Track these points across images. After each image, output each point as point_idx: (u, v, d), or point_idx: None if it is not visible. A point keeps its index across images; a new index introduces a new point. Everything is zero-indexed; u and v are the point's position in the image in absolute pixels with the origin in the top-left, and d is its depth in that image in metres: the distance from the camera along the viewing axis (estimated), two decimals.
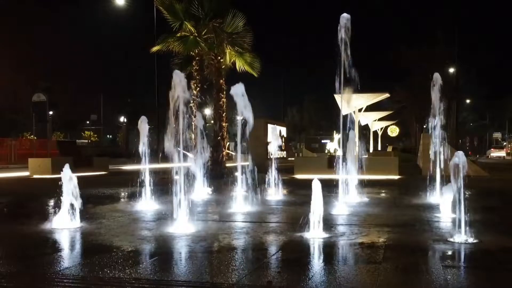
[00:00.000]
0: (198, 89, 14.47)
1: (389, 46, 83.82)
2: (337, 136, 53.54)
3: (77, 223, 5.57)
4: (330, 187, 9.68)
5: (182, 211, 5.44)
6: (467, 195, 4.97)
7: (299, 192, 9.56)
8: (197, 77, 14.46)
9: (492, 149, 48.71)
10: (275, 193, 9.08)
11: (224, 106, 15.42)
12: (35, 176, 14.88)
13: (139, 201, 7.50)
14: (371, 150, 49.54)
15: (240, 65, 15.42)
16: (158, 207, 7.28)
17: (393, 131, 54.81)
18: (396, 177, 14.08)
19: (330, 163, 14.63)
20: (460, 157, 4.78)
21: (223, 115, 15.38)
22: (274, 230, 5.46)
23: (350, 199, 8.10)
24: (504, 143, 67.77)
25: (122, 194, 9.71)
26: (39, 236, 5.15)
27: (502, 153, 46.04)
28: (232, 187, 10.67)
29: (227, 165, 15.99)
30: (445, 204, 6.44)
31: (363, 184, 8.83)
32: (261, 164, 17.96)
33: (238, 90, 6.91)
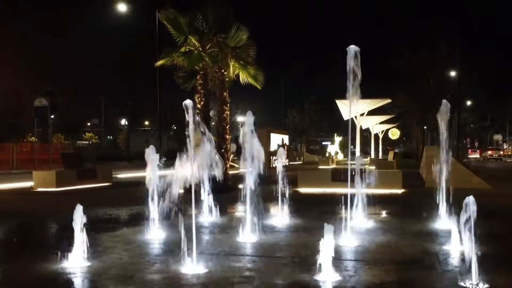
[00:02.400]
0: (202, 103, 14.47)
1: (390, 51, 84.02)
2: (337, 139, 53.55)
3: (85, 261, 5.58)
4: (335, 206, 9.71)
5: (190, 244, 5.43)
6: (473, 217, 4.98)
7: (305, 214, 9.56)
8: (201, 91, 14.44)
9: (470, 151, 59.06)
10: (280, 215, 9.05)
11: (228, 118, 15.42)
12: (39, 189, 14.92)
13: (144, 226, 7.48)
14: (372, 153, 49.54)
15: (243, 77, 15.43)
16: (165, 235, 7.27)
17: (394, 134, 54.90)
18: (400, 191, 14.09)
19: (334, 176, 14.68)
20: (470, 204, 4.81)
21: (227, 127, 15.38)
22: (283, 270, 5.46)
23: (356, 223, 8.11)
24: (503, 143, 68.47)
25: (127, 216, 9.71)
26: (46, 278, 5.14)
27: (477, 155, 56.67)
28: (237, 205, 10.79)
29: (231, 172, 16.04)
30: (452, 235, 6.48)
31: (367, 201, 8.80)
32: (264, 173, 17.97)
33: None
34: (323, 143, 77.22)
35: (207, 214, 9.11)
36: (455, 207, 8.27)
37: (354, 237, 6.94)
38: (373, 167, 23.17)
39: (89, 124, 73.54)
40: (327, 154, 48.84)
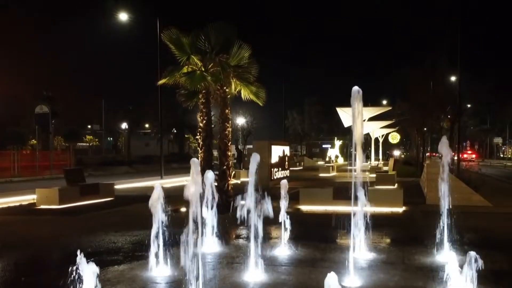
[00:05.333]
0: (204, 121, 14.52)
1: (391, 58, 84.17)
2: (338, 143, 53.64)
3: None
4: (336, 230, 9.67)
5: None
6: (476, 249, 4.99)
7: (308, 242, 9.57)
8: (204, 110, 14.51)
9: (453, 154, 61.32)
10: (283, 242, 9.05)
11: (230, 135, 15.47)
12: (42, 207, 14.99)
13: (149, 259, 7.48)
14: (372, 158, 49.59)
15: (245, 94, 15.50)
16: (170, 273, 7.30)
17: (394, 138, 55.07)
18: (401, 209, 14.15)
19: (335, 195, 14.76)
20: (472, 260, 4.90)
21: (229, 144, 15.44)
22: None
23: (358, 254, 8.18)
24: (503, 148, 68.66)
25: (131, 244, 9.74)
26: None
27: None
28: (239, 230, 10.84)
29: (232, 182, 16.09)
30: (455, 276, 6.54)
31: (368, 224, 8.79)
32: (264, 185, 18.06)
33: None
34: (324, 146, 77.29)
35: (210, 242, 9.11)
36: (456, 232, 8.39)
37: (356, 274, 6.99)
38: (373, 175, 23.28)
39: (89, 126, 73.63)
40: (327, 158, 48.93)
